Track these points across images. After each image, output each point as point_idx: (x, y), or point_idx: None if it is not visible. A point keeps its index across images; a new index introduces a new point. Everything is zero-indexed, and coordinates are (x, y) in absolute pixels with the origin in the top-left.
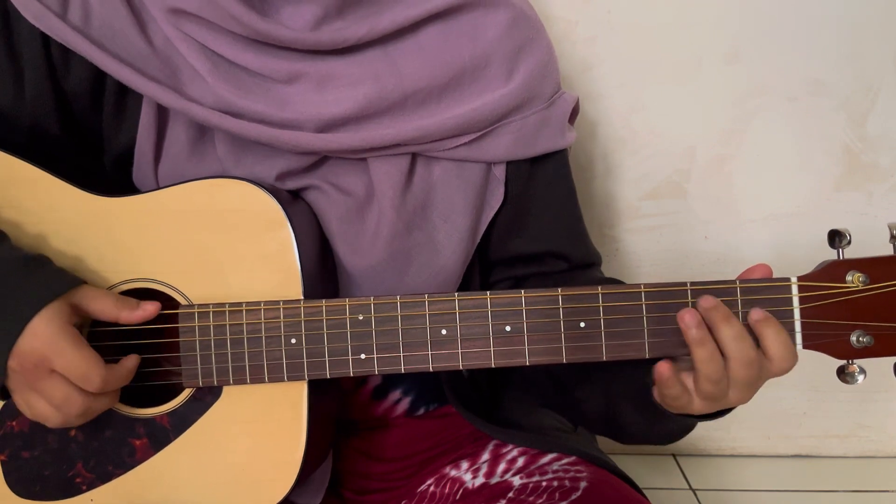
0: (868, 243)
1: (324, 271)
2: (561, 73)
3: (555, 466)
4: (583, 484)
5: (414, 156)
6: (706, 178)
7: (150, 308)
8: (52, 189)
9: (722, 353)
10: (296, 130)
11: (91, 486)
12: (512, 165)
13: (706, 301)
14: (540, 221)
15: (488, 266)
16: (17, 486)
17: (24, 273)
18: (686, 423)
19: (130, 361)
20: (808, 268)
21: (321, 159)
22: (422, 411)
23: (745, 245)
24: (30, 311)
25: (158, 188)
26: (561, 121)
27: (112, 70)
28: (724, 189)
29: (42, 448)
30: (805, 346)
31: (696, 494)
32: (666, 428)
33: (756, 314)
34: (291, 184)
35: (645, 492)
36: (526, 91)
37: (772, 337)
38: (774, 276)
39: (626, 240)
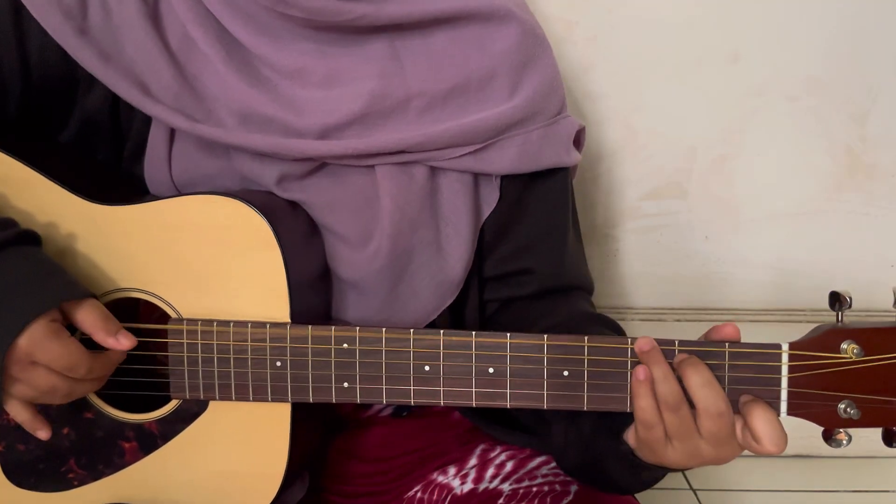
0: (868, 243)
1: (315, 275)
2: (561, 73)
3: (544, 470)
4: (573, 487)
5: (419, 165)
6: (706, 177)
7: (124, 342)
8: (44, 191)
9: (691, 403)
10: (301, 139)
11: (82, 483)
12: (508, 175)
13: (678, 357)
14: (527, 234)
15: (481, 283)
16: (14, 477)
17: (40, 278)
18: (654, 475)
19: (117, 356)
20: (807, 268)
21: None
22: (405, 413)
23: (745, 245)
24: (31, 314)
25: (155, 198)
26: (565, 139)
27: (122, 92)
28: (725, 189)
29: (36, 442)
30: (789, 414)
31: (696, 494)
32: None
33: (745, 397)
34: (296, 183)
35: (645, 492)
36: (530, 106)
37: (759, 416)
38: (772, 276)
39: (626, 240)
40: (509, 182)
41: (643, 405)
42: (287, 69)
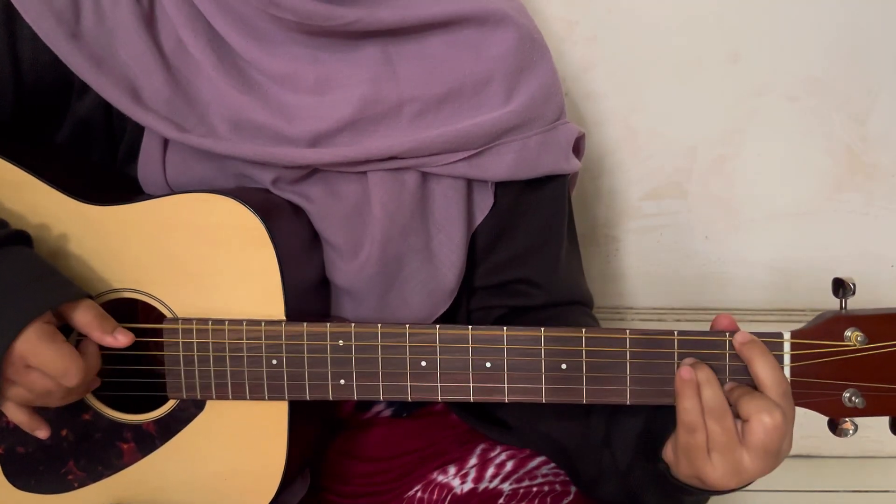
0: (868, 243)
1: (315, 279)
2: (561, 73)
3: (544, 470)
4: (573, 487)
5: (411, 171)
6: (706, 177)
7: (121, 340)
8: (36, 193)
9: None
10: (292, 147)
11: (82, 484)
12: (503, 182)
13: (728, 386)
14: (521, 242)
15: (472, 292)
16: (14, 479)
17: (34, 280)
18: (695, 500)
19: (97, 357)
20: (807, 268)
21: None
22: (405, 414)
23: (745, 245)
24: (27, 318)
25: (148, 197)
26: (564, 145)
27: (112, 99)
28: (725, 189)
29: (36, 445)
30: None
31: None
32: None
33: (742, 337)
34: (289, 186)
35: None
36: (527, 112)
37: (761, 362)
38: (772, 276)
39: (626, 240)
40: (504, 188)
41: (687, 406)
42: (277, 74)
